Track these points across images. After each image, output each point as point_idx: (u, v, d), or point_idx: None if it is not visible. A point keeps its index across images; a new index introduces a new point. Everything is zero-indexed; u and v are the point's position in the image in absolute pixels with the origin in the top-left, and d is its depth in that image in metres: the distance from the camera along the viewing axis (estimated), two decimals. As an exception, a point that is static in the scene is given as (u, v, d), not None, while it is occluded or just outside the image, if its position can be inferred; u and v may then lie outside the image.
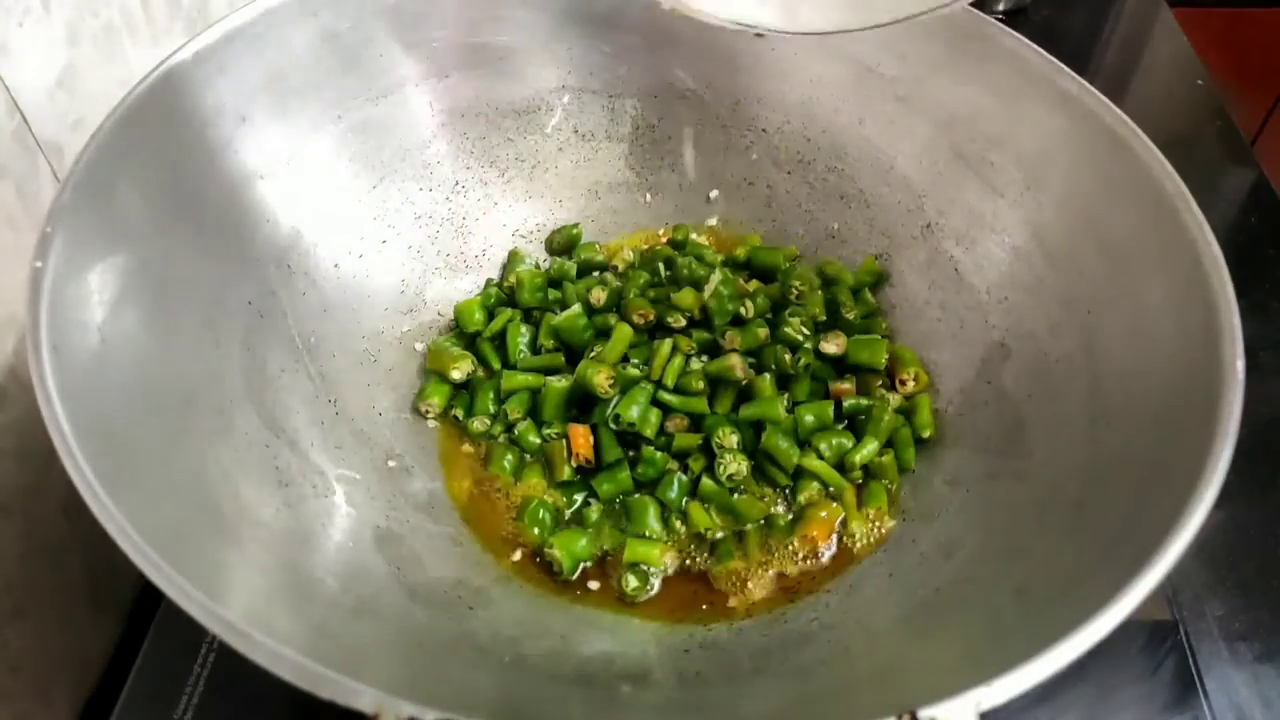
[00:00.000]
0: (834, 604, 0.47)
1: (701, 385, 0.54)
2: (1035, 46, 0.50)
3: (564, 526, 0.51)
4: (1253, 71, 1.10)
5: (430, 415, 0.55)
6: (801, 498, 0.51)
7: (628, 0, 0.58)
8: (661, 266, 0.61)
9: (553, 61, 0.60)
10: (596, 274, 0.61)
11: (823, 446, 0.52)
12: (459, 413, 0.55)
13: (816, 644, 0.44)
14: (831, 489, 0.51)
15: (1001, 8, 0.92)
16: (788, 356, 0.54)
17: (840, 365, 0.56)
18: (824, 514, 0.50)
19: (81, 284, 0.39)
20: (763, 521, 0.51)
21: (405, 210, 0.59)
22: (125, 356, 0.40)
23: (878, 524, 0.50)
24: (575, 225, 0.63)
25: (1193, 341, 0.40)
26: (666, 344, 0.54)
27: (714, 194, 0.63)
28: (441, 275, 0.60)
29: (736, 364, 0.53)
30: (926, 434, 0.53)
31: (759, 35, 0.43)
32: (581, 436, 0.52)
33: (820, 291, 0.58)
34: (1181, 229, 0.42)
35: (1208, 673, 0.51)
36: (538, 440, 0.54)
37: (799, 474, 0.51)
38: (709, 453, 0.52)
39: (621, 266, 0.61)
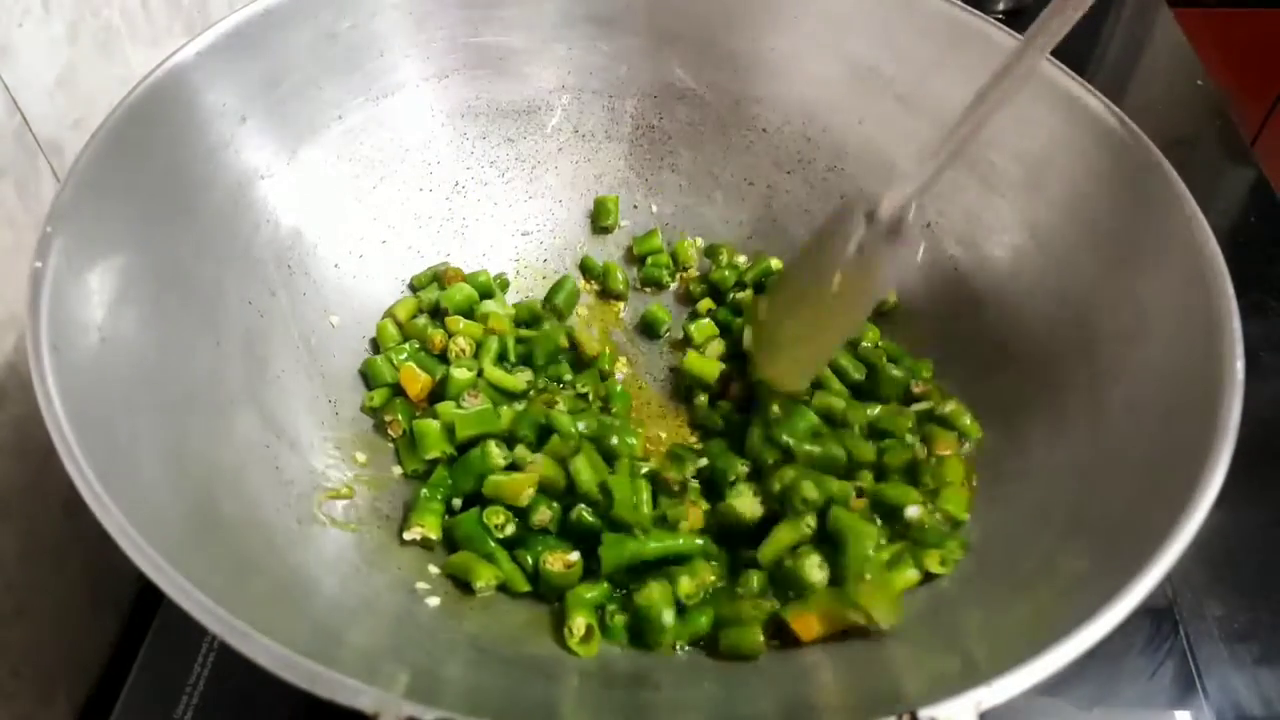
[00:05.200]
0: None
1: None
2: (1035, 46, 0.50)
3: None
4: (1253, 71, 1.10)
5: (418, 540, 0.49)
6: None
7: (628, 0, 0.58)
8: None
9: (553, 61, 0.60)
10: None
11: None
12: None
13: (817, 645, 0.44)
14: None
15: (1001, 7, 0.92)
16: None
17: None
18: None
19: (81, 284, 0.39)
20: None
21: (405, 210, 0.59)
22: (125, 356, 0.40)
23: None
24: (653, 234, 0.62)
25: (1193, 341, 0.40)
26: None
27: (714, 194, 0.63)
28: (441, 275, 0.60)
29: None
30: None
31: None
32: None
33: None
34: (1181, 229, 0.42)
35: (1208, 673, 0.51)
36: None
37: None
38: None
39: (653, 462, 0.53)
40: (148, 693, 0.48)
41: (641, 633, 0.45)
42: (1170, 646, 0.51)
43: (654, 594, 0.45)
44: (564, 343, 0.57)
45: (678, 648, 0.44)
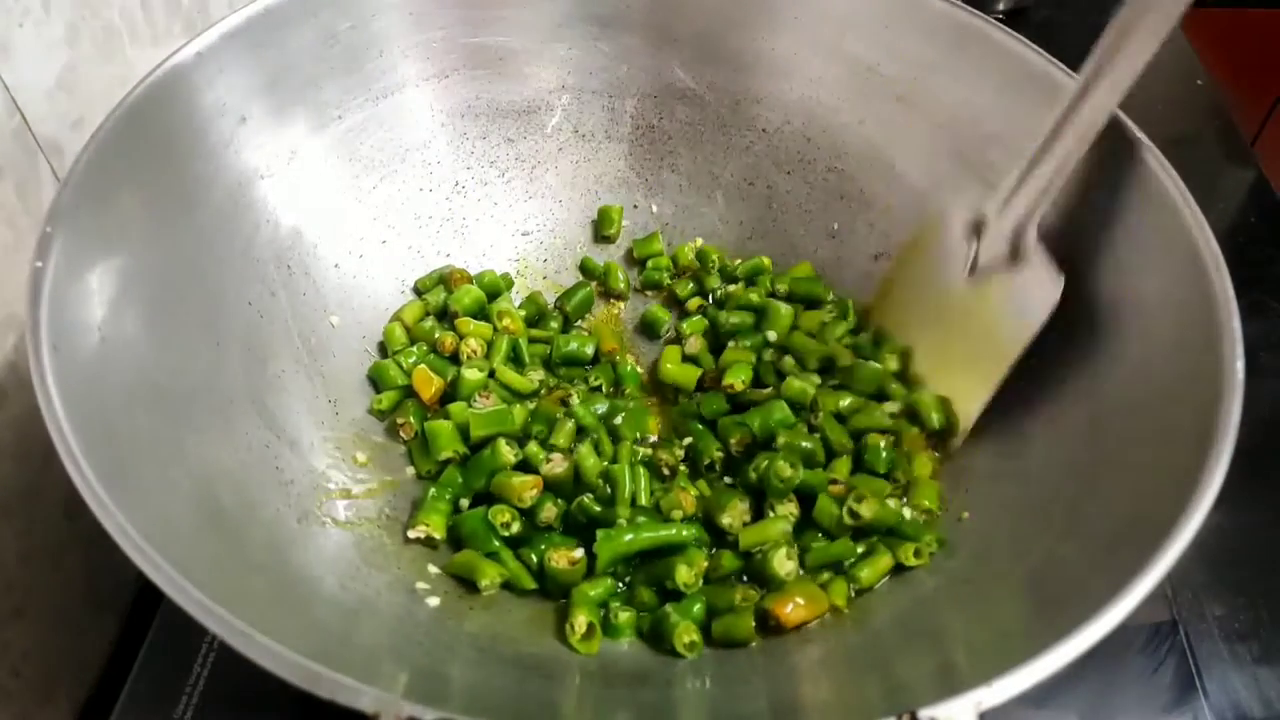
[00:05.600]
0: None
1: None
2: (1035, 46, 0.50)
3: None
4: (1253, 71, 1.10)
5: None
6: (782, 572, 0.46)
7: (628, 0, 0.58)
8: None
9: (553, 61, 0.60)
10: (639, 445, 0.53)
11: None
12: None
13: (816, 644, 0.44)
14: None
15: (1001, 7, 0.92)
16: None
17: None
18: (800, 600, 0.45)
19: (81, 284, 0.39)
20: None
21: (405, 210, 0.59)
22: (125, 356, 0.40)
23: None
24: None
25: (1193, 342, 0.40)
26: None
27: (714, 194, 0.63)
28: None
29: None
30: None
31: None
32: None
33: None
34: (1181, 229, 0.42)
35: (1207, 673, 0.51)
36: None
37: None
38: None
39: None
40: (148, 693, 0.48)
41: (660, 635, 0.45)
42: (1170, 646, 0.51)
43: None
44: (589, 354, 0.57)
45: (690, 643, 0.44)
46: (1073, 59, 0.49)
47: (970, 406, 0.50)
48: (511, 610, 0.46)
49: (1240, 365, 0.38)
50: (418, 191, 0.59)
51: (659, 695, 0.42)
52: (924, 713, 0.29)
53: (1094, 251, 0.48)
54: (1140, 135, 0.45)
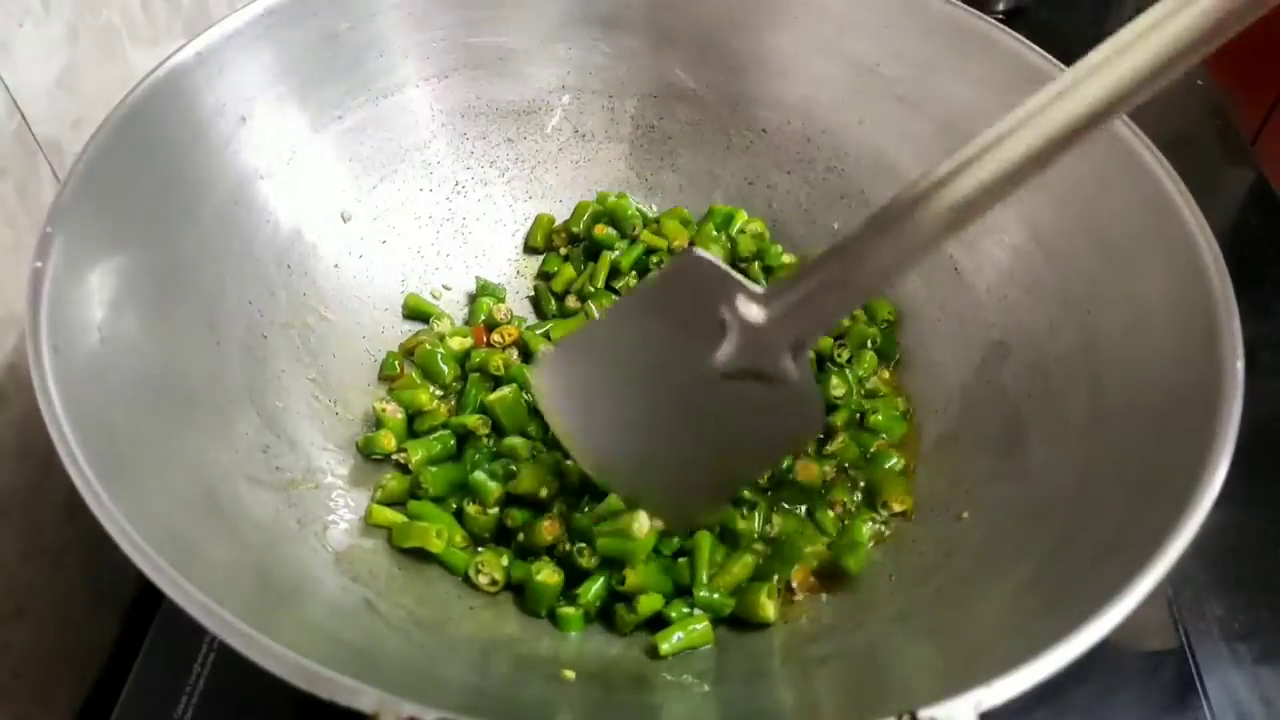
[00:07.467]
0: (833, 605, 0.47)
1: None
2: (1035, 46, 0.50)
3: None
4: (1253, 71, 1.10)
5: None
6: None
7: (628, 0, 0.58)
8: None
9: (553, 61, 0.60)
10: None
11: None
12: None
13: (816, 644, 0.44)
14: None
15: (1001, 8, 0.92)
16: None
17: None
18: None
19: (81, 284, 0.39)
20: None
21: (405, 210, 0.59)
22: (125, 356, 0.40)
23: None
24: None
25: (1193, 341, 0.40)
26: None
27: (714, 194, 0.63)
28: (441, 275, 0.60)
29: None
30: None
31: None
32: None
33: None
34: (1181, 229, 0.42)
35: (1208, 673, 0.51)
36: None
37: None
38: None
39: None
40: (148, 693, 0.48)
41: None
42: (1170, 646, 0.51)
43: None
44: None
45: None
46: (1073, 59, 0.49)
47: (704, 501, 0.45)
48: (512, 611, 0.46)
49: (1240, 365, 0.38)
50: (418, 191, 0.59)
51: (660, 695, 0.42)
52: (924, 713, 0.29)
53: (1094, 251, 0.48)
54: (1140, 135, 0.45)
